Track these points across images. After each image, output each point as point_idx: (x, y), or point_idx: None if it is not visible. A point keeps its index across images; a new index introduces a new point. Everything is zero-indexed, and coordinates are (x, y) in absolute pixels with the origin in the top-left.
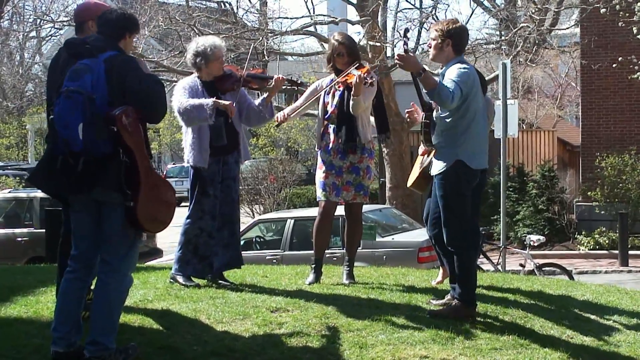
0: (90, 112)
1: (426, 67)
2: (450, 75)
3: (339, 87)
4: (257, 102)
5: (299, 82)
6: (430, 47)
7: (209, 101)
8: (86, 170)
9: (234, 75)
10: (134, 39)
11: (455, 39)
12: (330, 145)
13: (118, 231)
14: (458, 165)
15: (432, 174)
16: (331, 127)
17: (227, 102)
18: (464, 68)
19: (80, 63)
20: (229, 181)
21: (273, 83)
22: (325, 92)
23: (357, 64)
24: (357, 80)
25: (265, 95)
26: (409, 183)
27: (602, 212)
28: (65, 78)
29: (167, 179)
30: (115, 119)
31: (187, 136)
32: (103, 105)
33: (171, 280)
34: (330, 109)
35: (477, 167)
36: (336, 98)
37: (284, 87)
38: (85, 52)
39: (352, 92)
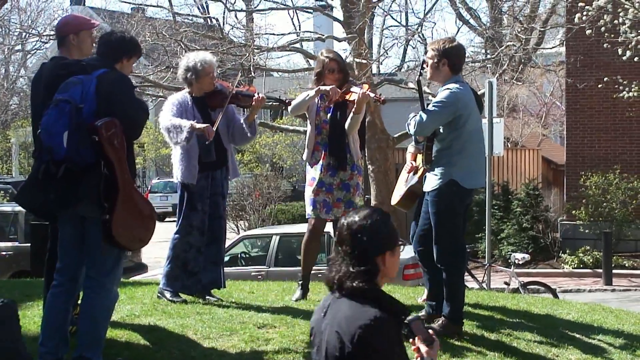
0: (77, 122)
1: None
2: (437, 97)
3: (329, 104)
4: (239, 121)
5: (287, 101)
6: (427, 66)
7: (187, 124)
8: (69, 183)
9: (224, 91)
10: (133, 63)
11: (451, 59)
12: (321, 162)
13: (100, 247)
14: (452, 184)
15: (425, 190)
16: (321, 144)
17: (203, 126)
18: (453, 89)
19: (74, 77)
20: (216, 197)
21: (254, 102)
22: (317, 106)
23: (354, 82)
24: (361, 97)
25: (247, 114)
26: (394, 201)
27: (587, 230)
28: (57, 91)
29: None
30: (97, 129)
31: (175, 152)
32: (90, 116)
33: (159, 295)
34: (322, 125)
35: (471, 187)
36: (328, 115)
37: (267, 104)
38: (78, 70)
39: (353, 110)
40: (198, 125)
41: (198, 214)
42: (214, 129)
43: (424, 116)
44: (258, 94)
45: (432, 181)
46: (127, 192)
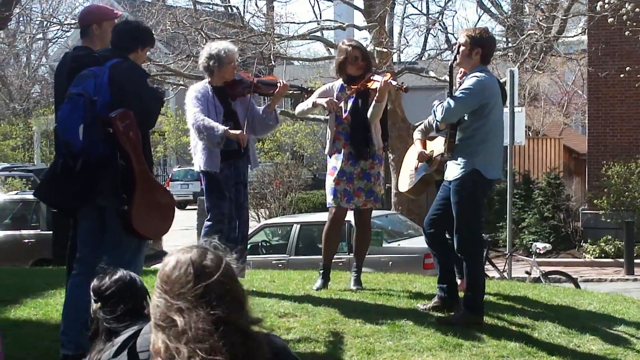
0: (91, 114)
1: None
2: (464, 85)
3: (352, 93)
4: (260, 110)
5: (308, 89)
6: (457, 52)
7: (221, 128)
8: (87, 177)
9: (244, 81)
10: (147, 53)
11: (484, 49)
12: (342, 151)
13: (120, 236)
14: (474, 173)
15: (446, 179)
16: (342, 134)
17: (237, 132)
18: (481, 77)
19: (87, 70)
20: (239, 186)
21: (276, 91)
22: (337, 97)
23: (376, 71)
24: (383, 85)
25: (268, 103)
26: (403, 188)
27: (608, 220)
28: (71, 84)
29: (173, 182)
30: (112, 121)
31: (196, 141)
32: (104, 108)
33: None
34: (343, 114)
35: (493, 177)
36: (349, 104)
37: (289, 92)
38: (91, 62)
39: (376, 98)
40: (232, 132)
41: (227, 201)
42: (244, 132)
43: (452, 102)
44: (282, 81)
45: (454, 170)
46: (144, 183)
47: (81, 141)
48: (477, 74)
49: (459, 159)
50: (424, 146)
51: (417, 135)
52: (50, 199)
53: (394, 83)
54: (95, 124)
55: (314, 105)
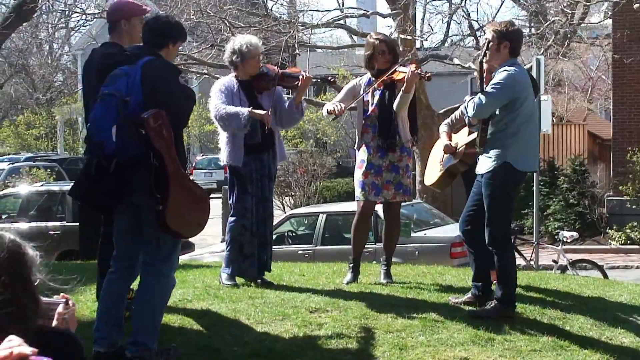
0: (124, 115)
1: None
2: (494, 79)
3: (379, 86)
4: (287, 103)
5: (331, 79)
6: (487, 48)
7: (244, 111)
8: (121, 176)
9: (270, 74)
10: (179, 48)
11: (513, 42)
12: (370, 144)
13: (157, 234)
14: (506, 166)
15: (478, 172)
16: (370, 126)
17: (262, 112)
18: (511, 71)
19: (119, 69)
20: (264, 179)
21: (300, 83)
22: (364, 91)
23: (400, 63)
24: (410, 76)
25: (294, 95)
26: (428, 182)
27: (634, 206)
28: (103, 84)
29: (196, 170)
30: (144, 122)
31: (222, 135)
32: (137, 108)
33: (219, 279)
34: (370, 108)
35: (525, 170)
36: (376, 97)
37: (312, 81)
38: (123, 60)
39: (403, 89)
40: (257, 112)
41: (249, 196)
42: (271, 107)
43: (483, 98)
44: (304, 74)
45: (486, 163)
46: (178, 182)
47: (114, 142)
48: (507, 67)
49: (491, 152)
50: (450, 139)
51: (443, 128)
52: (85, 198)
53: (417, 72)
54: (128, 124)
55: (328, 112)
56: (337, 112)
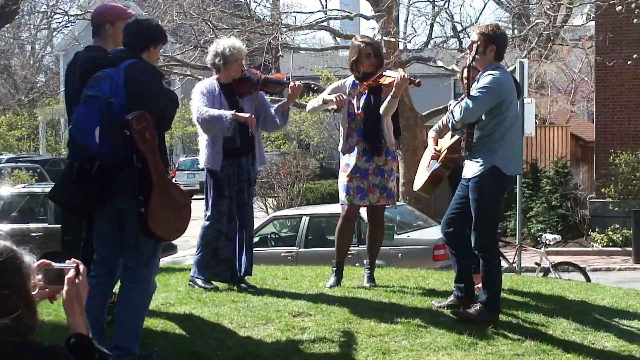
0: (107, 117)
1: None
2: (480, 83)
3: (364, 90)
4: (273, 108)
5: (315, 87)
6: (476, 52)
7: (228, 114)
8: (104, 178)
9: (252, 78)
10: (160, 50)
11: (499, 45)
12: (355, 148)
13: (138, 238)
14: (494, 170)
15: (465, 177)
16: (355, 130)
17: (246, 115)
18: (496, 75)
19: (102, 71)
20: (242, 184)
21: (290, 91)
22: (349, 94)
23: (386, 67)
24: (400, 81)
25: (283, 101)
26: (416, 187)
27: (616, 208)
28: (86, 86)
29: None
30: (128, 123)
31: (202, 138)
32: (120, 110)
33: (190, 283)
34: (356, 111)
35: (512, 173)
36: (362, 100)
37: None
38: (106, 63)
39: (391, 94)
40: (240, 115)
41: (226, 200)
42: (254, 111)
43: (470, 102)
44: (294, 82)
45: (473, 168)
46: (161, 185)
47: (97, 144)
48: (492, 71)
49: (478, 156)
50: (436, 144)
51: (431, 134)
52: (66, 201)
53: (407, 77)
54: (111, 126)
55: (325, 102)
56: (340, 102)
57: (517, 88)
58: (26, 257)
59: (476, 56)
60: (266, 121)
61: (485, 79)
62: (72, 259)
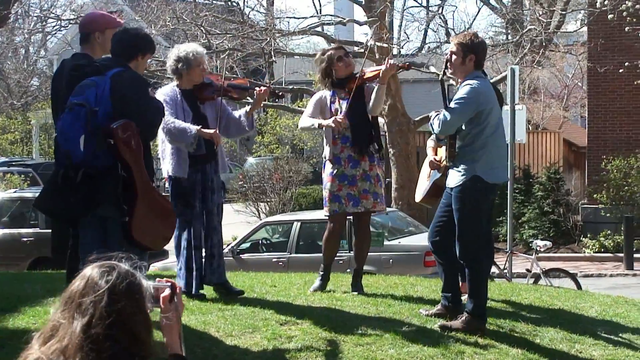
0: (93, 125)
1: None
2: (458, 94)
3: (345, 95)
4: (237, 113)
5: (280, 93)
6: (449, 61)
7: (193, 128)
8: (88, 187)
9: (214, 85)
10: (148, 60)
11: (478, 54)
12: (340, 155)
13: (122, 247)
14: (476, 179)
15: (448, 186)
16: (339, 138)
17: (211, 131)
18: (474, 85)
19: (88, 79)
20: (206, 192)
21: (256, 96)
22: (330, 101)
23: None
24: (387, 67)
25: (247, 107)
26: (418, 198)
27: (608, 214)
28: (71, 94)
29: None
30: (113, 132)
31: (164, 145)
32: (105, 119)
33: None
34: (339, 117)
35: (495, 181)
36: (344, 106)
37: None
38: (92, 71)
39: (378, 80)
40: (205, 131)
41: (193, 209)
42: (218, 132)
43: (447, 115)
44: (260, 87)
45: (455, 177)
46: (145, 194)
47: (82, 152)
48: (470, 81)
49: (460, 166)
50: (435, 153)
51: (429, 143)
52: (50, 210)
53: (393, 62)
54: (97, 134)
55: (320, 127)
56: (341, 126)
57: (498, 96)
58: (143, 280)
59: (446, 70)
60: (229, 127)
61: (462, 90)
62: (165, 279)
